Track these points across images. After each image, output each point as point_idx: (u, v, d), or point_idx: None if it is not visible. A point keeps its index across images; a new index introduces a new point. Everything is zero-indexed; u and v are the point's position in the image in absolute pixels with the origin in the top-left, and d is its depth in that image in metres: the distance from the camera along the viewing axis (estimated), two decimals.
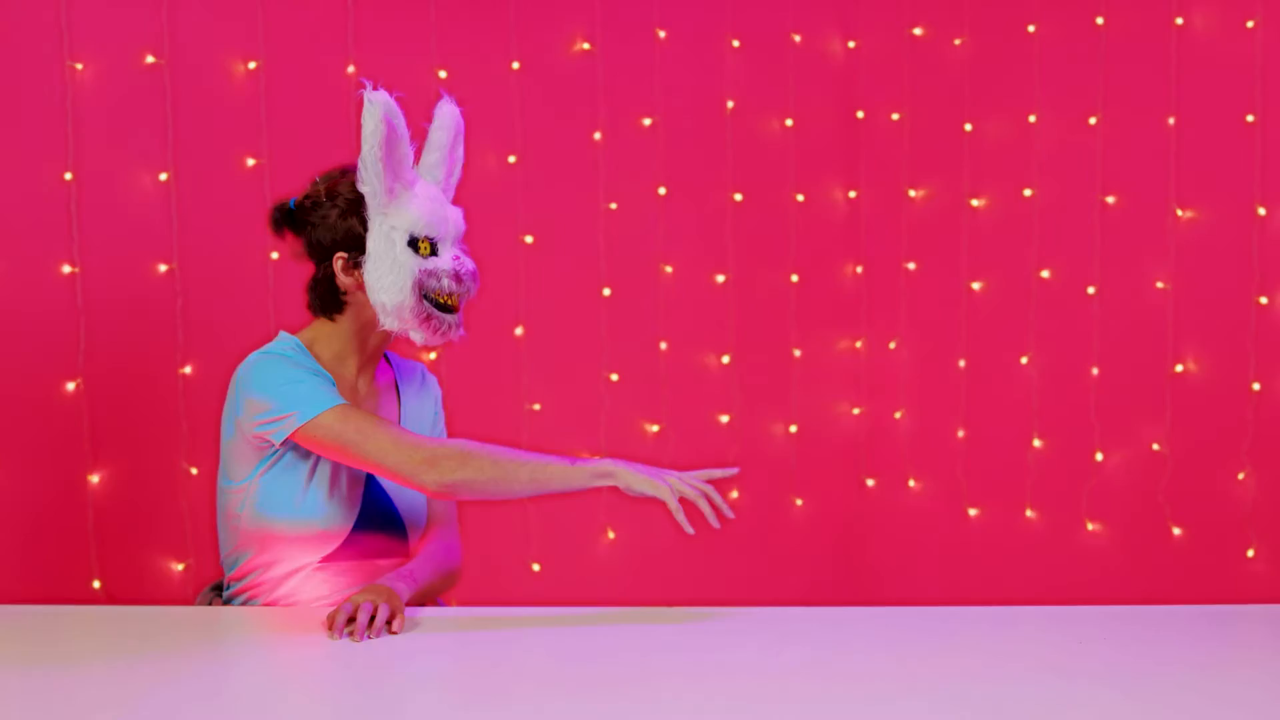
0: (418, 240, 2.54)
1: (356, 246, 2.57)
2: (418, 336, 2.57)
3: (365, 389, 2.69)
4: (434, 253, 2.58)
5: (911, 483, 4.55)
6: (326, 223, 2.59)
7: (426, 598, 2.63)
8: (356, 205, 2.57)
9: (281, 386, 2.50)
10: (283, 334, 2.65)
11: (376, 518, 2.64)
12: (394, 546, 2.68)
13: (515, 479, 2.40)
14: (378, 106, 2.49)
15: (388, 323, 2.55)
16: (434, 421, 2.82)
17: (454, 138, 2.70)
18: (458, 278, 2.58)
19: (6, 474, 3.63)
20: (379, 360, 2.74)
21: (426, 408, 2.81)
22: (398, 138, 2.53)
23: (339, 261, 2.58)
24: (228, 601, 2.70)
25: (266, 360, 2.55)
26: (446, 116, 2.68)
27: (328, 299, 2.64)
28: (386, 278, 2.52)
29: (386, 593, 2.37)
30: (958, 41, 4.49)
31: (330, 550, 2.59)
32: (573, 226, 4.27)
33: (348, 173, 2.59)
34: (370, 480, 2.62)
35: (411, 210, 2.55)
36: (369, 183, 2.53)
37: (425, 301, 2.54)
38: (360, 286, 2.56)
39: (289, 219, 2.65)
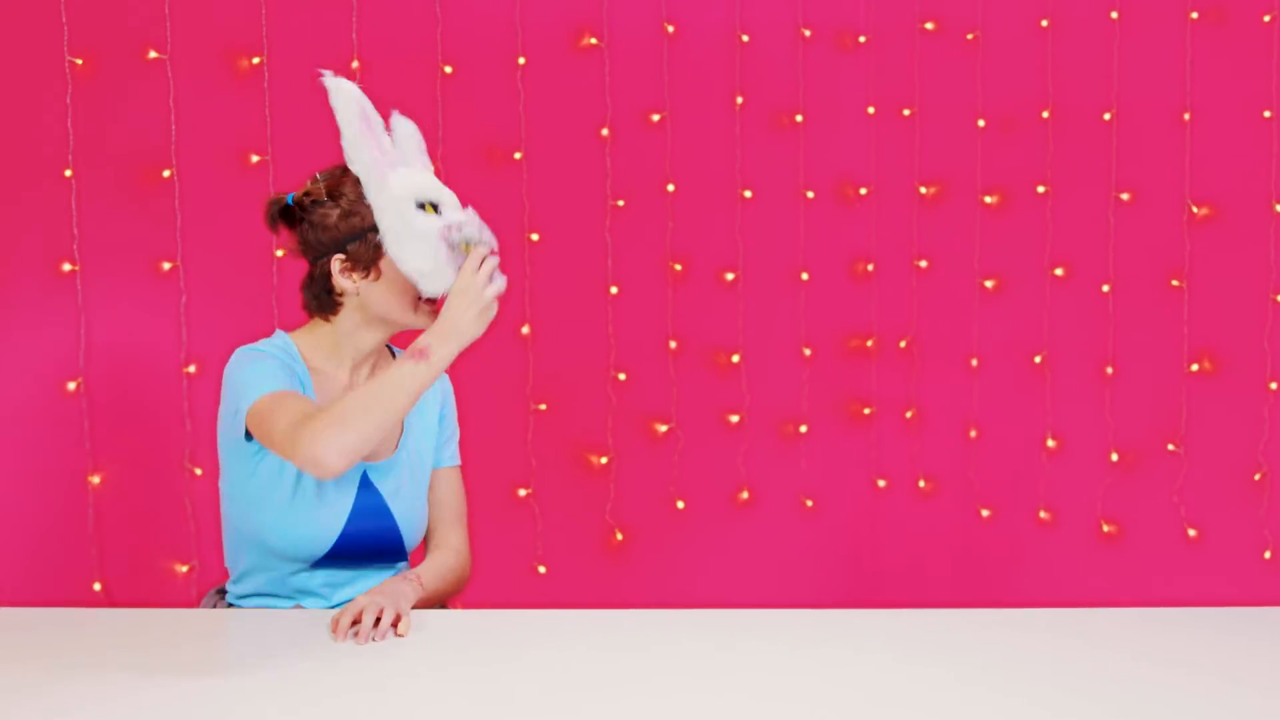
0: (424, 204, 2.43)
1: (360, 240, 2.50)
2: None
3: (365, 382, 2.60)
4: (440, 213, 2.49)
5: (922, 483, 4.48)
6: (326, 222, 2.53)
7: (433, 602, 2.60)
8: (359, 203, 2.50)
9: (246, 378, 2.47)
10: (278, 332, 2.63)
11: (369, 520, 2.60)
12: (389, 549, 2.65)
13: (388, 407, 2.32)
14: (344, 87, 2.42)
15: (429, 287, 2.42)
16: (441, 419, 2.77)
17: (417, 146, 2.55)
18: (479, 226, 2.43)
19: (6, 475, 3.65)
20: (379, 357, 2.69)
21: (431, 406, 2.75)
22: (370, 116, 2.43)
23: (336, 264, 2.53)
24: (230, 605, 2.68)
25: (243, 355, 2.53)
26: (407, 128, 2.55)
27: (323, 299, 2.59)
28: (409, 245, 2.41)
29: (392, 595, 2.35)
30: (970, 36, 4.41)
31: (322, 553, 2.56)
32: (580, 223, 4.20)
33: (350, 171, 2.50)
34: (363, 483, 2.60)
35: (410, 179, 2.44)
36: (359, 160, 2.42)
37: (455, 251, 2.42)
38: (358, 291, 2.52)
39: (286, 214, 2.60)
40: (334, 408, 2.29)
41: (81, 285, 3.69)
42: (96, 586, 3.71)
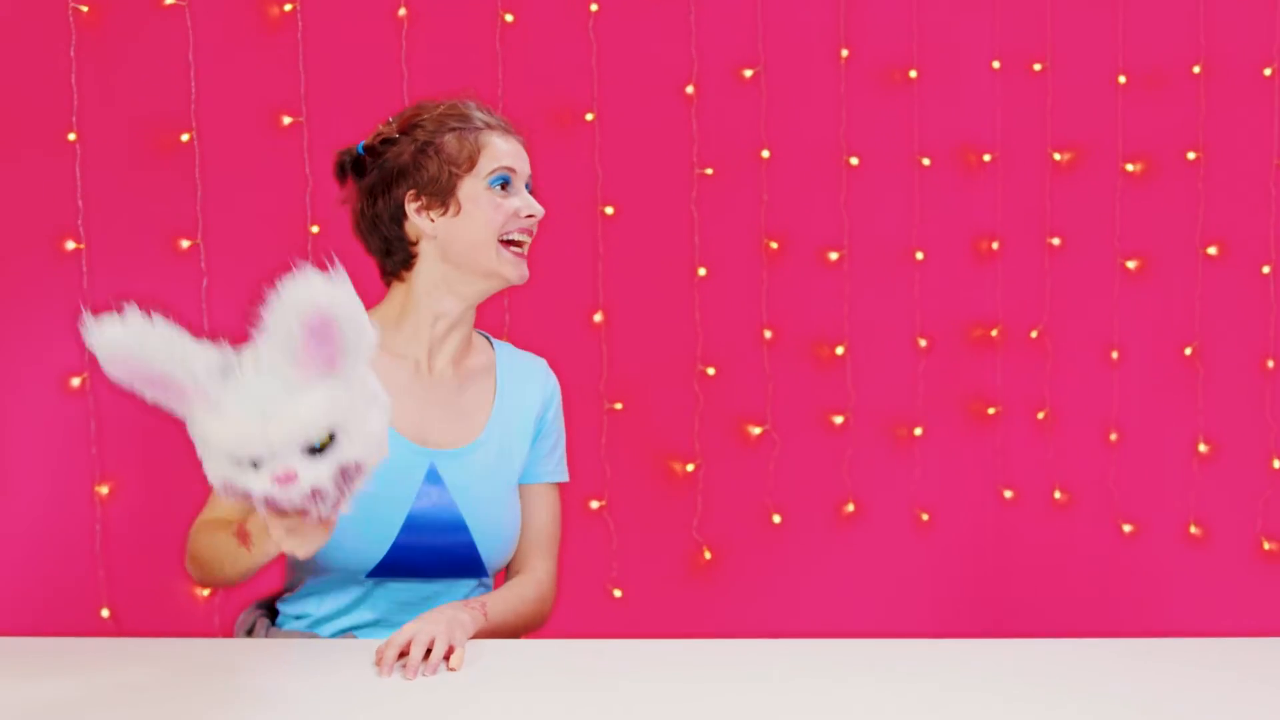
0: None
1: (431, 189, 2.49)
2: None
3: (444, 369, 2.57)
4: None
5: (1057, 494, 4.22)
6: (399, 160, 2.50)
7: (502, 636, 2.46)
8: (439, 134, 2.49)
9: None
10: None
11: (434, 523, 2.48)
12: (463, 563, 2.53)
13: (220, 569, 2.35)
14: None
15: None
16: (540, 427, 2.66)
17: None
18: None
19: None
20: (465, 335, 2.61)
21: (529, 407, 2.64)
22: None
23: (411, 204, 2.49)
24: (275, 612, 2.63)
25: None
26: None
27: (396, 249, 2.52)
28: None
29: (446, 622, 2.22)
30: None
31: (377, 559, 2.45)
32: (661, 195, 4.00)
33: (424, 107, 2.53)
34: (430, 476, 2.49)
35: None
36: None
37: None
38: (436, 233, 2.49)
39: (357, 167, 2.57)
40: (197, 538, 2.43)
41: (87, 266, 3.54)
42: (104, 613, 3.56)
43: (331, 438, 1.89)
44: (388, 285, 2.58)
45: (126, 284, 3.38)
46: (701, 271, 4.03)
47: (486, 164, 2.46)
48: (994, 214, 4.24)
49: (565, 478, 2.67)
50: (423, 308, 2.53)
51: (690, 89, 4.00)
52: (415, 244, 2.50)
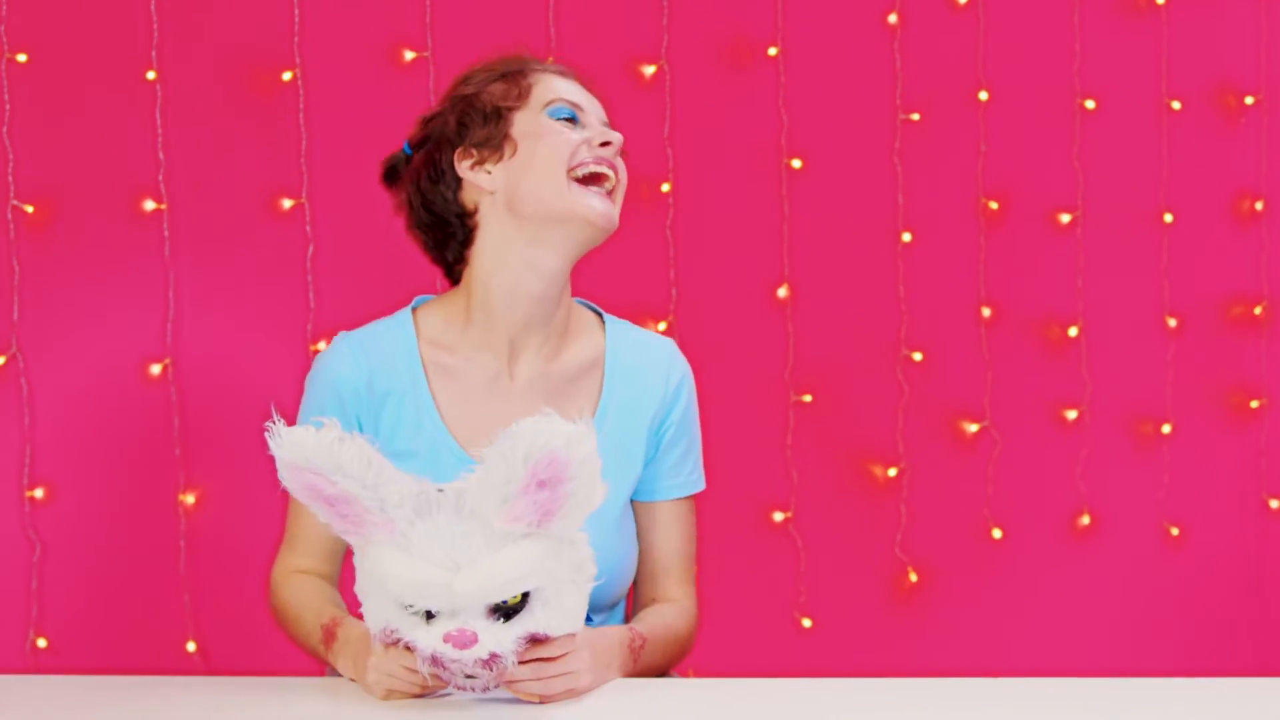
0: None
1: (481, 138, 2.31)
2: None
3: (532, 373, 2.34)
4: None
5: None
6: (446, 128, 2.36)
7: (645, 675, 2.27)
8: (477, 95, 2.32)
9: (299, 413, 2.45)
10: (415, 302, 2.47)
11: None
12: None
13: (302, 645, 2.27)
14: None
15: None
16: (658, 435, 2.41)
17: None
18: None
19: (66, 493, 3.39)
20: (559, 320, 2.37)
21: (645, 409, 2.38)
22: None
23: (463, 162, 2.29)
24: None
25: (312, 370, 2.41)
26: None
27: (456, 227, 2.33)
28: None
29: (597, 672, 2.02)
30: None
31: None
32: (857, 145, 3.78)
33: (470, 72, 2.39)
34: None
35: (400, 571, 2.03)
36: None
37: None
38: (494, 189, 2.28)
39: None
40: (281, 590, 2.34)
41: (169, 231, 3.36)
42: (190, 646, 3.40)
43: (524, 599, 1.89)
44: (455, 284, 2.45)
45: (216, 252, 3.43)
46: (906, 237, 3.82)
47: (541, 97, 2.29)
48: (1258, 167, 4.01)
49: (701, 486, 2.44)
50: (494, 287, 2.31)
51: (893, 18, 3.79)
52: (474, 214, 2.32)
